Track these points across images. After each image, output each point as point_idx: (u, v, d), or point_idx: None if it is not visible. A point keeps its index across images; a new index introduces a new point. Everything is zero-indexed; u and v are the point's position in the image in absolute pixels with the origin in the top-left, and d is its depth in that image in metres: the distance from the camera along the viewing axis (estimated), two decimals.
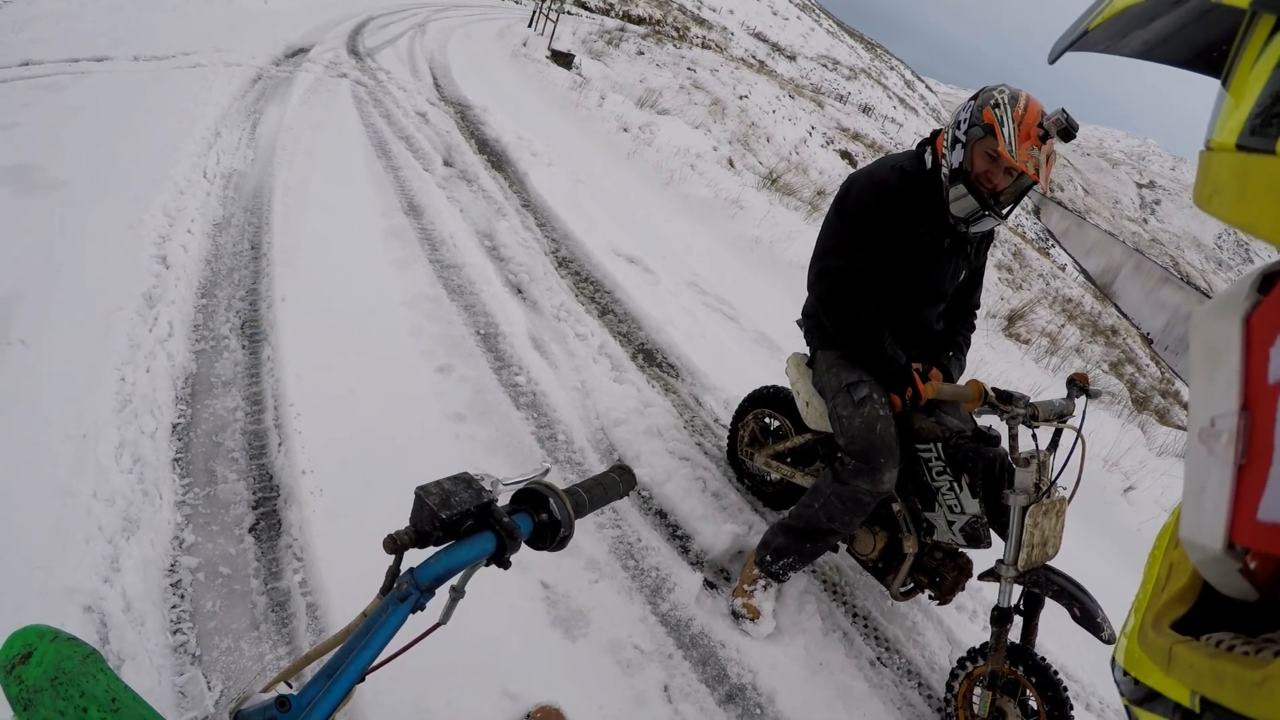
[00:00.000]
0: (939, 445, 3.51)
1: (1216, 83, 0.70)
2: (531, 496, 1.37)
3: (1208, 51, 0.80)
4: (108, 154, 6.47)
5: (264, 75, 11.10)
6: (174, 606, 2.96)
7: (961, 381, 3.70)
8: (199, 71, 10.11)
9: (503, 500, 1.33)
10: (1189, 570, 0.71)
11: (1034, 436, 3.32)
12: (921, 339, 3.84)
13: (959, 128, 3.40)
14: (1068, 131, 3.17)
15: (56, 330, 4.10)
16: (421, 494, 1.21)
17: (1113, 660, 0.80)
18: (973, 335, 4.07)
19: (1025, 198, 3.82)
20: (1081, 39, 0.87)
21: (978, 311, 4.13)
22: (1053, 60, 1.00)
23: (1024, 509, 3.17)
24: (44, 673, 1.36)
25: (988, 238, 3.89)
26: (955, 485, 3.46)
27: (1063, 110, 3.18)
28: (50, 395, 3.66)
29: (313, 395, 4.19)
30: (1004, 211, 3.51)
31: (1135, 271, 42.08)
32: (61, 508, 3.09)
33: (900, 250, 3.57)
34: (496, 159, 10.11)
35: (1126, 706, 0.74)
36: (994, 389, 3.30)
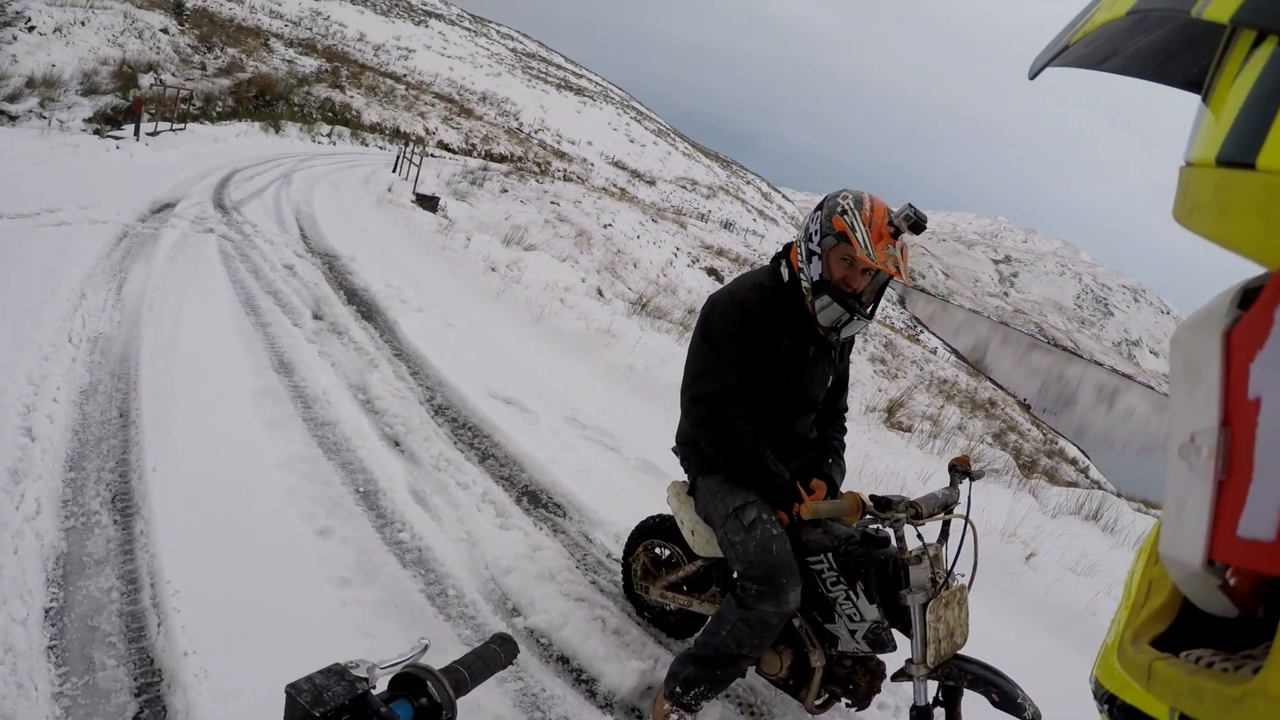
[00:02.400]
0: (829, 555, 3.50)
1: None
2: (409, 680, 1.33)
3: (1188, 67, 0.82)
4: None
5: (130, 232, 11.00)
6: None
7: (843, 487, 3.80)
8: (64, 230, 9.99)
9: (381, 685, 1.31)
10: (1168, 587, 0.71)
11: (920, 535, 3.38)
12: (798, 450, 3.89)
13: (811, 240, 3.52)
14: (917, 225, 3.32)
15: None
16: (292, 692, 1.17)
17: (1092, 677, 0.80)
18: (846, 437, 4.16)
19: (888, 289, 3.97)
20: (1061, 54, 0.89)
21: (846, 414, 4.23)
22: (1033, 76, 1.00)
23: (924, 606, 3.18)
24: None
25: (850, 340, 3.97)
26: (851, 594, 3.44)
27: (909, 205, 3.35)
28: None
29: (190, 570, 4.11)
30: (869, 311, 3.63)
31: (1004, 343, 43.96)
32: None
33: (769, 365, 3.66)
34: (366, 309, 10.17)
35: None
36: (872, 496, 3.32)
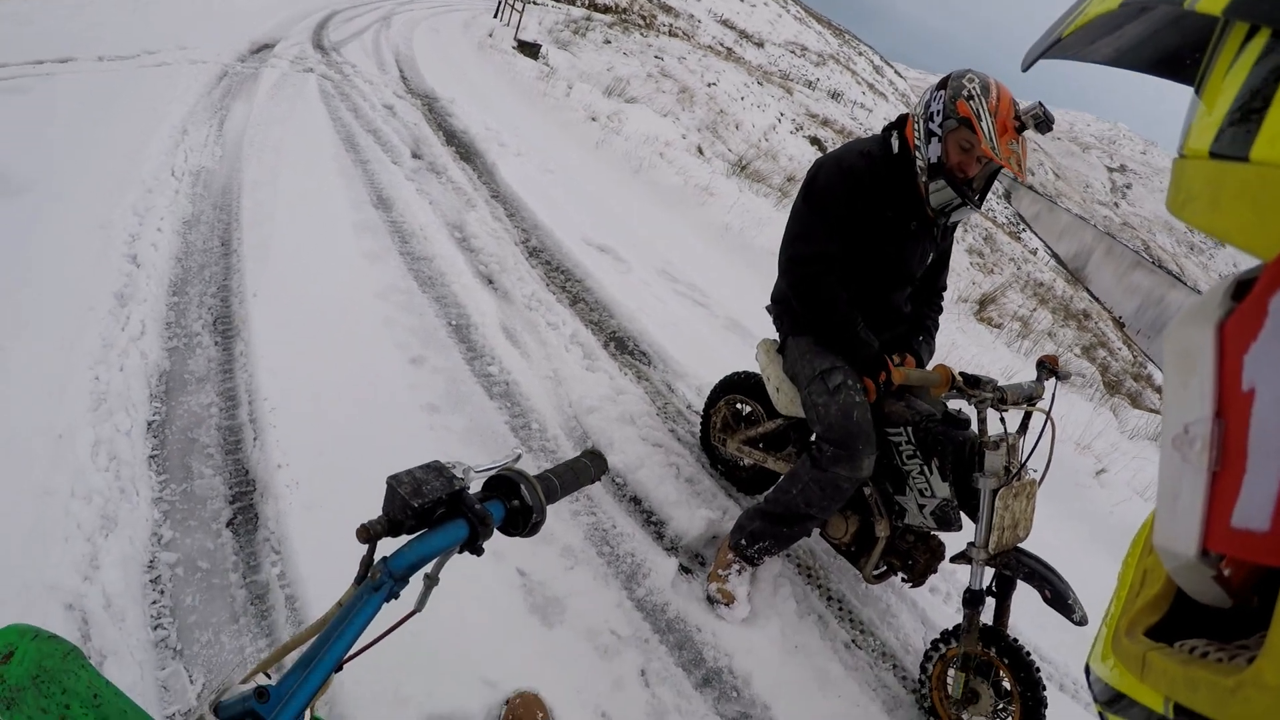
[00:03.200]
0: (909, 429, 3.50)
1: (1189, 89, 0.71)
2: (503, 483, 1.37)
3: (1180, 59, 0.80)
4: (75, 155, 6.44)
5: (229, 72, 11.03)
6: (154, 602, 2.98)
7: (930, 366, 3.72)
8: (164, 70, 10.04)
9: (474, 487, 1.32)
10: (1163, 577, 0.71)
11: (1002, 420, 3.32)
12: (891, 322, 3.83)
13: (931, 120, 3.38)
14: (1044, 124, 3.17)
15: (29, 332, 4.09)
16: (394, 483, 1.20)
17: (1086, 666, 0.80)
18: (941, 318, 4.08)
19: (996, 182, 3.78)
20: (1054, 47, 0.88)
21: (945, 295, 4.13)
22: (1025, 68, 1.01)
23: (994, 492, 3.18)
24: (25, 671, 1.37)
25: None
26: (925, 469, 3.46)
27: (1039, 103, 3.18)
28: (25, 396, 3.66)
29: (286, 389, 4.21)
30: (978, 199, 3.50)
31: (1107, 255, 42.02)
32: (40, 507, 3.10)
33: (869, 234, 3.59)
34: (465, 150, 10.10)
35: (1100, 712, 0.74)
36: (961, 374, 3.31)
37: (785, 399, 3.95)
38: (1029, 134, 3.30)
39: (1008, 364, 8.67)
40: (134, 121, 7.70)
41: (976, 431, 3.32)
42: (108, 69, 9.45)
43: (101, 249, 5.10)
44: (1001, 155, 3.19)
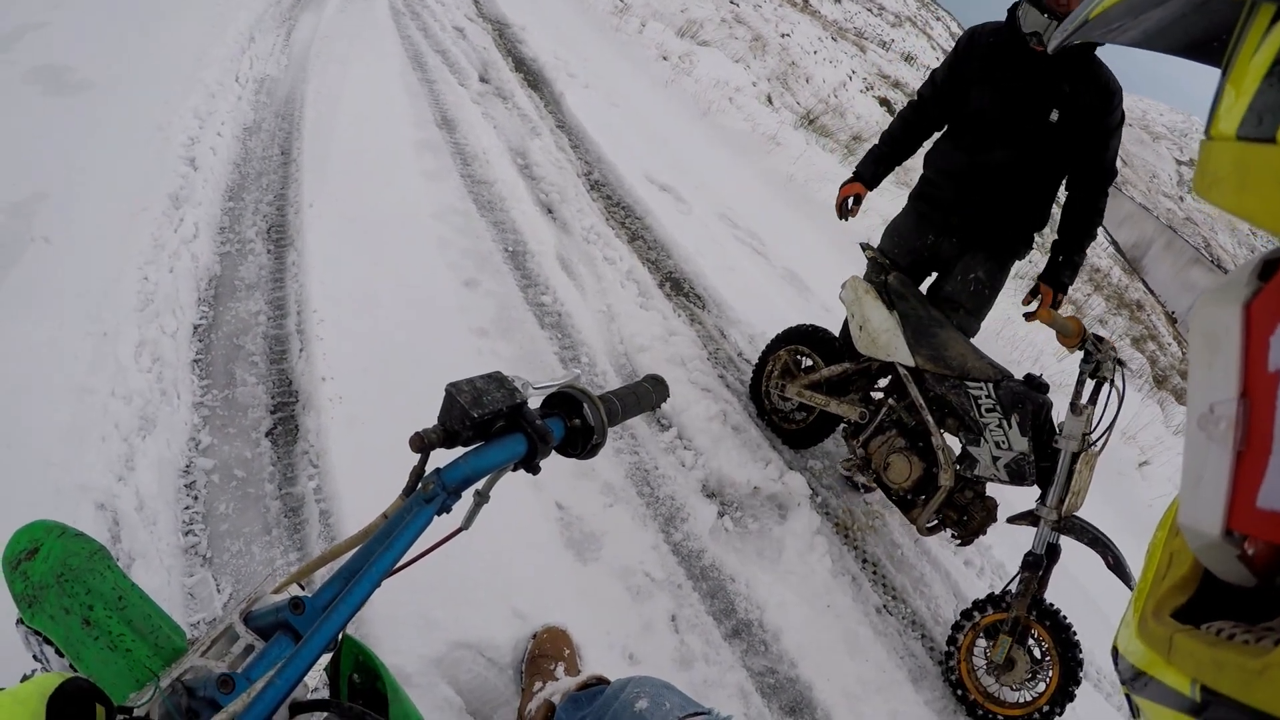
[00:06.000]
0: (990, 385, 3.52)
1: (1217, 72, 0.69)
2: (564, 401, 1.33)
3: (1207, 40, 0.79)
4: (138, 55, 6.39)
5: None
6: (187, 507, 2.96)
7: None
8: None
9: (533, 404, 1.28)
10: (1189, 560, 0.72)
11: (1077, 388, 3.34)
12: (983, 182, 3.87)
13: None
14: None
15: (80, 228, 4.07)
16: (453, 391, 1.15)
17: (1114, 648, 0.80)
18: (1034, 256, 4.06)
19: None
20: (1081, 29, 0.89)
21: (1109, 180, 3.95)
22: (1053, 51, 1.09)
23: (1075, 455, 3.26)
24: (50, 569, 1.33)
25: (1094, 97, 3.70)
26: (1004, 423, 3.48)
27: None
28: (71, 293, 3.64)
29: (336, 302, 4.15)
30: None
31: (1166, 249, 41.37)
32: (78, 405, 3.08)
33: (967, 91, 3.83)
34: (533, 78, 9.92)
35: (1127, 695, 0.73)
36: (1094, 333, 3.39)
37: (867, 339, 3.93)
38: None
39: (1057, 346, 8.49)
40: (200, 26, 7.63)
41: (1053, 399, 3.39)
42: None
43: (159, 150, 5.06)
44: None
